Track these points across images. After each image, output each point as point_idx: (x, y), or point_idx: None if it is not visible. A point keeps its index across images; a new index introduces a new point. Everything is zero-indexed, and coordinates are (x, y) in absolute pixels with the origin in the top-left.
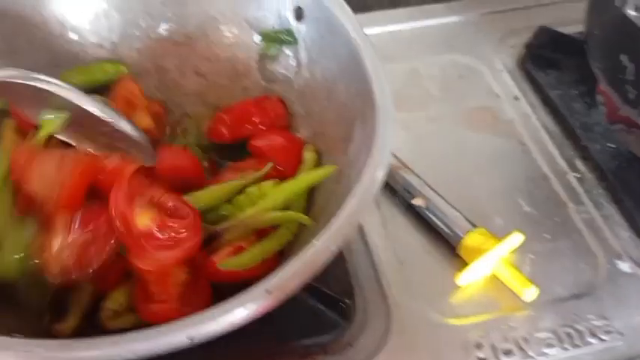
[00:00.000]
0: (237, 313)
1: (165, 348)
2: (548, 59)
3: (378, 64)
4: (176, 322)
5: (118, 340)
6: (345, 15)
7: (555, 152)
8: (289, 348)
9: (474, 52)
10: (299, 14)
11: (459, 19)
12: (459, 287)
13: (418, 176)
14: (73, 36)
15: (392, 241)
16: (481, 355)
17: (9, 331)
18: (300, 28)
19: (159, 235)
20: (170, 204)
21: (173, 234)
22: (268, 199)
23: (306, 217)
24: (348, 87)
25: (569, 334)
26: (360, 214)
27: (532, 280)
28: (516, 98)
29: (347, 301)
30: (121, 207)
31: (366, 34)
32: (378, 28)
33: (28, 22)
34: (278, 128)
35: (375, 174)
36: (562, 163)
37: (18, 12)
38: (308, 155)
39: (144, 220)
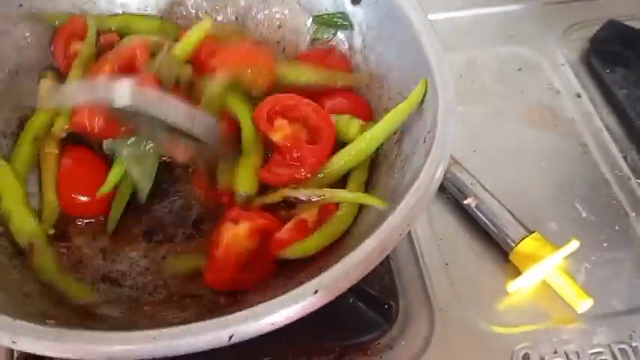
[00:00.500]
0: (282, 313)
1: (204, 347)
2: (614, 55)
3: (442, 54)
4: (223, 318)
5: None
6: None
7: (618, 156)
8: (328, 347)
9: (535, 44)
10: None
11: (520, 8)
12: (508, 293)
13: (471, 174)
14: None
15: (438, 241)
16: None
17: (45, 317)
18: (355, 12)
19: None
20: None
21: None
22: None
23: (379, 199)
24: (405, 75)
25: (624, 352)
26: (416, 215)
27: (586, 291)
28: (578, 95)
29: (390, 302)
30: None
31: (429, 21)
32: (434, 15)
33: None
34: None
35: (434, 172)
36: (625, 168)
37: None
38: None
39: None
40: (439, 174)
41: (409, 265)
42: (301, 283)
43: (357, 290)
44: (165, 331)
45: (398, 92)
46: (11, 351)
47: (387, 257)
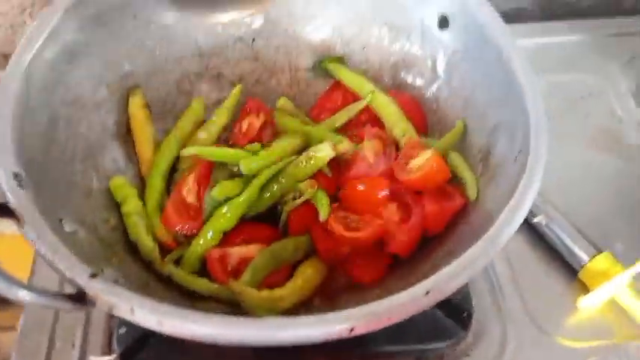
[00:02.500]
0: (401, 310)
1: (323, 337)
2: None
3: (531, 73)
4: (342, 313)
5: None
6: (495, 24)
7: None
8: (406, 351)
9: (598, 73)
10: (443, 23)
11: (584, 38)
12: (576, 308)
13: (540, 194)
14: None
15: (509, 258)
16: None
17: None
18: (442, 37)
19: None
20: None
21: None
22: None
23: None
24: (491, 96)
25: None
26: (516, 226)
27: None
28: None
29: (468, 309)
30: None
31: (517, 46)
32: None
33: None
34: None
35: (529, 187)
36: None
37: None
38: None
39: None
40: (534, 193)
41: (481, 279)
42: (412, 284)
43: None
44: (297, 319)
45: (482, 112)
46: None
47: None
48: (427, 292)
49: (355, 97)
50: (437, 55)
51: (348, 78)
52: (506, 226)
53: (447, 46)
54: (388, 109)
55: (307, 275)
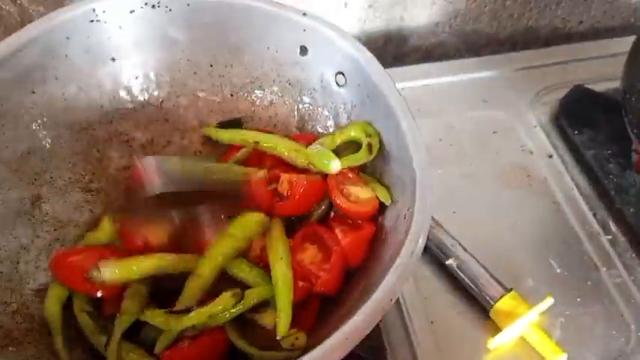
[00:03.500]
0: None
1: None
2: (582, 117)
3: (416, 130)
4: None
5: None
6: (384, 82)
7: (588, 213)
8: None
9: (508, 107)
10: (340, 79)
11: (493, 74)
12: (489, 350)
13: (451, 236)
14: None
15: (423, 300)
16: None
17: None
18: (340, 92)
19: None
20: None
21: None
22: None
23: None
24: (387, 152)
25: None
26: (399, 289)
27: (561, 345)
28: (550, 156)
29: None
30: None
31: (403, 100)
32: (412, 82)
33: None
34: None
35: (414, 249)
36: (595, 225)
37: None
38: None
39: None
40: (418, 250)
41: (396, 325)
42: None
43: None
44: None
45: (381, 170)
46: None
47: None
48: None
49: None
50: (338, 109)
51: (230, 138)
52: (388, 289)
53: (345, 100)
54: (282, 144)
55: None
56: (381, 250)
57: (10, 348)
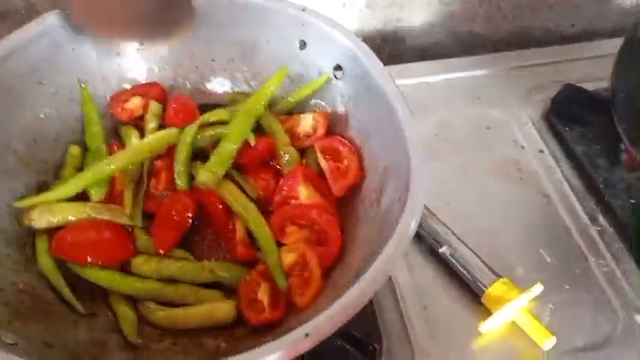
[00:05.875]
0: (278, 355)
1: None
2: (573, 115)
3: (411, 119)
4: None
5: None
6: (381, 74)
7: (578, 206)
8: None
9: (501, 104)
10: (338, 72)
11: (486, 73)
12: (481, 333)
13: (445, 225)
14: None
15: (417, 287)
16: None
17: None
18: (338, 84)
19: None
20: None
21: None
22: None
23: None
24: (382, 140)
25: None
26: (393, 264)
27: (551, 329)
28: (541, 151)
29: (374, 344)
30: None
31: (400, 91)
32: (408, 80)
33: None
34: None
35: (408, 227)
36: (584, 217)
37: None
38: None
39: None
40: (412, 229)
41: (391, 309)
42: (292, 328)
43: (343, 333)
44: None
45: (376, 156)
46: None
47: (371, 302)
48: (306, 335)
49: None
50: (336, 101)
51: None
52: (387, 261)
53: (342, 93)
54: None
55: None
56: (378, 232)
57: (16, 324)
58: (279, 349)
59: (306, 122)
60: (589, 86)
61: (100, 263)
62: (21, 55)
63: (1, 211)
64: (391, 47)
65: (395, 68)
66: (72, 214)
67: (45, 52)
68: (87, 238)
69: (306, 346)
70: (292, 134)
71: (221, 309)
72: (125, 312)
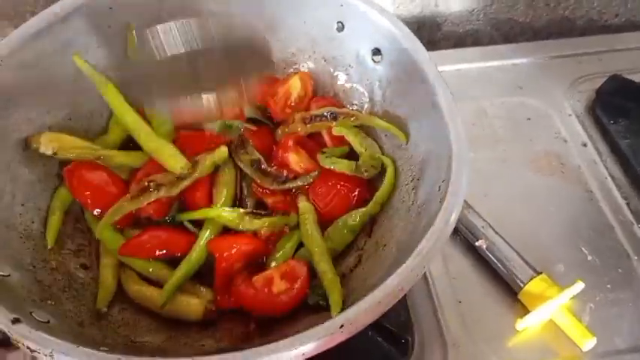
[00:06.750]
0: (313, 344)
1: None
2: (618, 107)
3: (454, 107)
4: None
5: None
6: (422, 58)
7: (622, 202)
8: None
9: (543, 95)
10: (377, 55)
11: (528, 61)
12: (517, 331)
13: (482, 218)
14: None
15: (452, 280)
16: None
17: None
18: (376, 68)
19: None
20: None
21: None
22: None
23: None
24: (421, 127)
25: None
26: (431, 258)
27: (590, 330)
28: (584, 144)
29: (407, 337)
30: None
31: (442, 78)
32: (446, 67)
33: None
34: None
35: (448, 220)
36: (628, 214)
37: None
38: None
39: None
40: (452, 220)
41: (424, 303)
42: (328, 317)
43: (376, 325)
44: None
45: (415, 144)
46: None
47: (404, 295)
48: (341, 326)
49: None
50: (373, 86)
51: None
52: (427, 252)
53: (381, 77)
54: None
55: None
56: (416, 222)
57: (49, 302)
58: (314, 340)
59: (295, 83)
60: (635, 77)
61: None
62: (54, 32)
63: (36, 188)
64: (428, 33)
65: (432, 55)
66: (78, 151)
67: (80, 29)
68: None
69: (340, 337)
70: (286, 100)
71: (190, 303)
72: (106, 278)
